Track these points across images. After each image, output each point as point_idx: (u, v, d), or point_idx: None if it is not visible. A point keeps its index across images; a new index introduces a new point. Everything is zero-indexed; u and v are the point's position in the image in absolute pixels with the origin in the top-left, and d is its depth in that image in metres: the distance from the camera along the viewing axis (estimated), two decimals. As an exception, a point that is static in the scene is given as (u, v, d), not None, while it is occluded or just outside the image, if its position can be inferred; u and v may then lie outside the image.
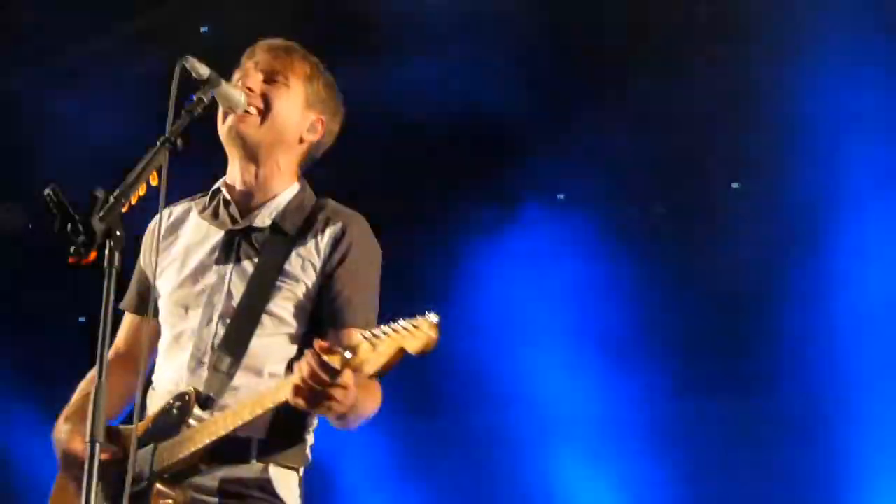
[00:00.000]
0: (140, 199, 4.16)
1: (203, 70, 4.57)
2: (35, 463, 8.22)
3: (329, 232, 4.84)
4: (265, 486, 4.68)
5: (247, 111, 4.83)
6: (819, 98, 8.90)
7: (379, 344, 4.17)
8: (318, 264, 4.80)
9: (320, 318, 4.79)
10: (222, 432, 4.50)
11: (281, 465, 4.72)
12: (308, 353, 4.27)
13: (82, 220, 3.88)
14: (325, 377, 4.20)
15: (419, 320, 4.14)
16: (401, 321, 4.18)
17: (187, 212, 5.07)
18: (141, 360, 4.81)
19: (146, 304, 4.98)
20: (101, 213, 3.93)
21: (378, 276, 4.92)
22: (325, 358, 4.20)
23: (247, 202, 4.94)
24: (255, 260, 4.80)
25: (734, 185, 10.41)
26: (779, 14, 8.98)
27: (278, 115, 4.91)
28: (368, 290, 4.86)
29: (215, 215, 4.97)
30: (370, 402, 4.60)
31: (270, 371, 4.69)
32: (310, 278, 4.78)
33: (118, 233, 3.94)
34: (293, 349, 4.75)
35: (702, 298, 10.26)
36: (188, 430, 4.59)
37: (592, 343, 10.28)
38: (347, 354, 4.19)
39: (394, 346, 4.16)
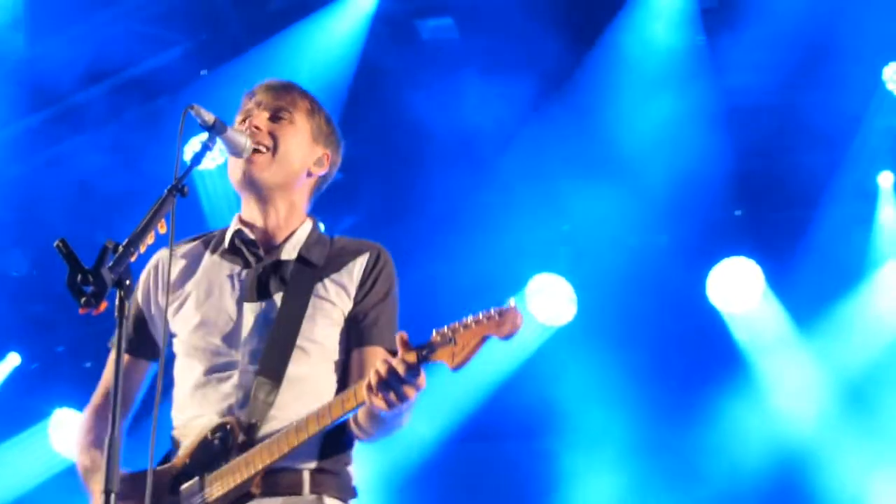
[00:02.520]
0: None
1: (208, 117, 4.59)
2: None
3: (361, 260, 4.90)
4: None
5: (256, 150, 4.85)
6: None
7: (460, 337, 4.29)
8: (353, 291, 4.85)
9: (347, 343, 4.84)
10: (286, 449, 4.52)
11: (334, 496, 4.73)
12: (389, 354, 4.41)
13: (92, 271, 3.89)
14: (405, 375, 4.31)
15: (504, 307, 4.29)
16: (479, 312, 4.31)
17: (198, 251, 5.03)
18: (130, 399, 4.85)
19: (138, 343, 4.97)
20: (111, 264, 3.94)
21: (398, 304, 4.99)
22: (405, 355, 4.31)
23: (268, 239, 4.94)
24: (286, 291, 4.82)
25: None
26: None
27: (287, 152, 4.92)
28: (395, 315, 4.93)
29: (234, 253, 4.96)
30: (408, 416, 4.68)
31: (314, 394, 4.69)
32: (344, 304, 4.83)
33: (128, 282, 3.97)
34: (334, 373, 4.80)
35: None
36: (239, 457, 4.59)
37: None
38: (425, 352, 4.31)
39: (477, 335, 4.29)
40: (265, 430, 4.63)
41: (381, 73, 10.23)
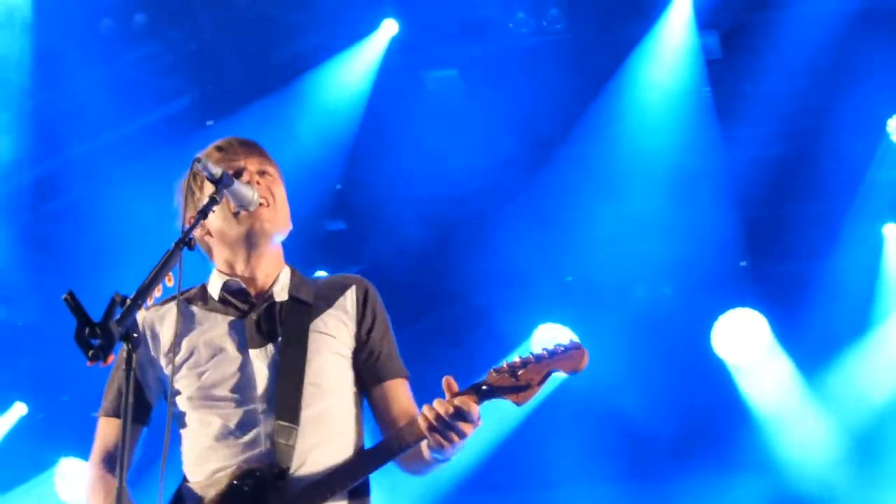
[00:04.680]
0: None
1: (216, 170, 4.60)
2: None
3: (351, 293, 4.94)
4: None
5: (261, 204, 4.87)
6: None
7: (522, 374, 4.45)
8: (352, 323, 4.90)
9: (361, 377, 4.89)
10: (350, 483, 4.63)
11: None
12: (447, 393, 4.47)
13: (100, 324, 3.90)
14: (466, 413, 4.40)
15: (571, 343, 4.48)
16: (544, 350, 4.48)
17: (185, 309, 4.94)
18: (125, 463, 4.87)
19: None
20: (118, 317, 3.96)
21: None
22: (465, 398, 4.42)
23: (256, 286, 4.94)
24: (285, 331, 4.84)
25: None
26: None
27: (282, 205, 4.96)
28: (394, 343, 4.99)
29: (223, 303, 4.95)
30: None
31: (334, 430, 4.75)
32: (345, 337, 4.88)
33: (135, 335, 3.98)
34: (353, 407, 4.84)
35: None
36: (278, 499, 4.61)
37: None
38: (483, 388, 4.46)
39: (542, 371, 4.46)
40: (294, 471, 4.65)
41: (385, 123, 10.27)
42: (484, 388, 4.46)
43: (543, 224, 10.24)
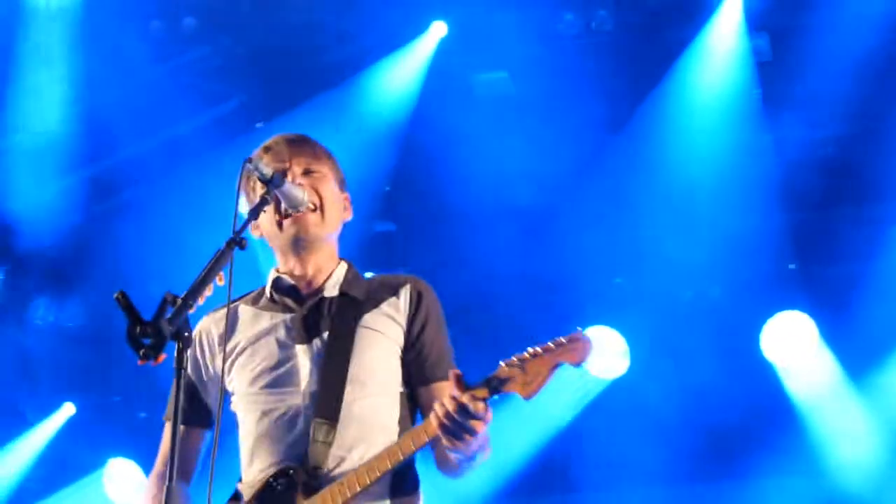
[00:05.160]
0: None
1: (266, 170, 4.63)
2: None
3: (404, 292, 4.93)
4: None
5: (307, 208, 4.88)
6: None
7: (530, 366, 4.38)
8: (403, 322, 4.88)
9: (410, 377, 4.86)
10: (358, 488, 4.55)
11: None
12: (455, 390, 4.40)
13: (151, 323, 3.92)
14: (472, 409, 4.34)
15: (575, 335, 4.43)
16: (548, 341, 4.42)
17: (233, 312, 5.03)
18: (191, 467, 4.91)
19: (191, 412, 4.96)
20: (169, 316, 3.97)
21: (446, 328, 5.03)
22: (473, 394, 4.36)
23: (309, 284, 4.98)
24: (333, 326, 4.85)
25: None
26: None
27: (331, 206, 4.96)
28: (448, 344, 4.96)
29: (274, 302, 5.00)
30: (488, 447, 4.66)
31: (375, 428, 4.72)
32: (394, 332, 4.86)
33: (186, 334, 3.99)
34: (396, 406, 4.81)
35: None
36: (306, 500, 4.60)
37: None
38: (494, 383, 4.39)
39: (549, 363, 4.39)
40: (329, 470, 4.65)
41: (434, 125, 10.27)
42: (493, 381, 4.40)
43: (592, 226, 10.21)
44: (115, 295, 3.95)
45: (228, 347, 4.96)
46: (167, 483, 3.93)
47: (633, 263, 10.42)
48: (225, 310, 4.92)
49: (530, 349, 4.42)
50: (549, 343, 4.41)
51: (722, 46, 9.88)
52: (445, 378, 4.76)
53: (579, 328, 4.45)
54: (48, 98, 10.00)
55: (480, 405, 4.36)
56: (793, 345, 10.43)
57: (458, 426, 4.36)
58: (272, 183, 4.63)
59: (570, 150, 10.00)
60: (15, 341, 11.09)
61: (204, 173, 10.03)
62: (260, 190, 4.74)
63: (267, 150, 4.99)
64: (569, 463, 10.73)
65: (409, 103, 10.24)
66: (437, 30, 10.02)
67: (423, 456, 4.72)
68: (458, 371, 4.43)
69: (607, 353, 10.65)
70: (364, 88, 10.24)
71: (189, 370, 5.01)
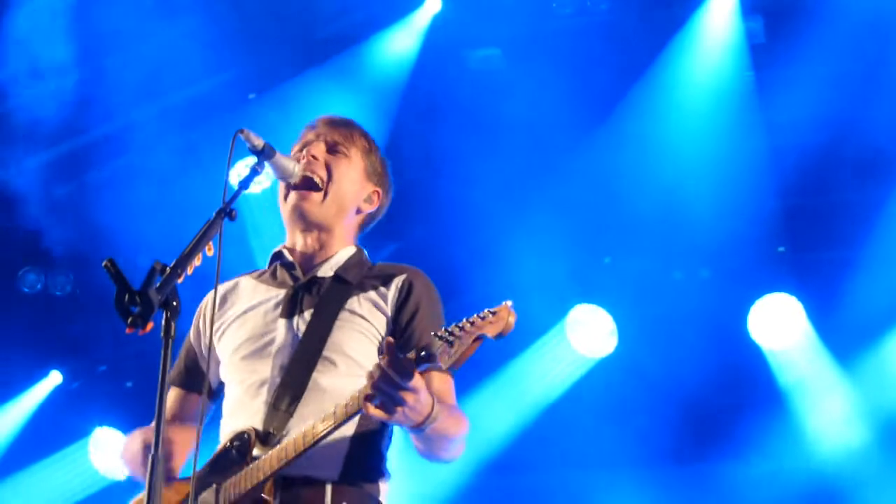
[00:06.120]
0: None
1: (257, 141, 4.64)
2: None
3: (396, 282, 4.95)
4: None
5: (311, 183, 4.94)
6: None
7: (457, 338, 4.29)
8: (389, 311, 4.89)
9: None
10: (293, 454, 4.51)
11: None
12: (381, 355, 4.34)
13: (140, 292, 3.92)
14: (396, 378, 4.24)
15: (498, 307, 4.34)
16: (476, 314, 4.33)
17: (236, 284, 5.16)
18: (193, 432, 4.92)
19: (191, 378, 5.10)
20: (158, 285, 3.97)
21: (443, 322, 4.98)
22: (403, 358, 4.26)
23: (308, 262, 5.05)
24: (317, 305, 4.89)
25: None
26: None
27: (340, 185, 5.03)
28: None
29: (274, 277, 5.07)
30: (453, 424, 4.63)
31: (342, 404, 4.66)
32: (378, 320, 4.87)
33: (174, 303, 4.00)
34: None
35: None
36: (251, 465, 4.61)
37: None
38: (423, 352, 4.27)
39: (471, 336, 4.29)
40: (283, 437, 4.66)
41: (428, 100, 10.27)
42: (422, 351, 4.29)
43: (583, 205, 10.21)
44: (105, 263, 3.96)
45: (222, 317, 5.05)
46: (153, 451, 3.92)
47: (624, 243, 10.42)
48: (232, 282, 5.12)
49: (457, 323, 4.35)
50: (476, 315, 4.33)
51: (716, 28, 9.88)
52: (433, 369, 4.69)
53: (508, 301, 4.38)
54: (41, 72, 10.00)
55: (406, 371, 4.25)
56: (780, 327, 10.45)
57: (385, 394, 4.28)
58: (262, 154, 4.66)
59: (561, 129, 9.99)
60: (4, 308, 11.09)
61: (195, 144, 10.03)
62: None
63: (309, 125, 5.16)
64: (554, 441, 10.74)
65: (403, 78, 10.23)
66: (432, 5, 10.01)
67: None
68: (391, 339, 4.34)
69: (595, 333, 10.66)
70: (357, 63, 10.22)
71: (192, 339, 5.14)
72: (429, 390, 4.40)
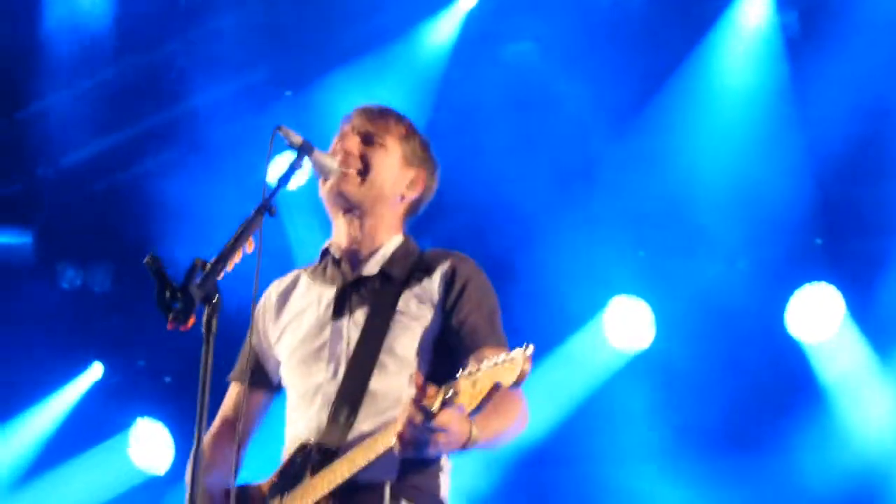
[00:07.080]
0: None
1: (296, 138, 4.66)
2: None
3: (440, 270, 4.94)
4: None
5: (345, 172, 4.93)
6: None
7: (478, 380, 4.21)
8: (436, 301, 4.88)
9: (452, 352, 4.82)
10: (339, 480, 4.54)
11: None
12: (406, 400, 4.31)
13: (181, 288, 3.95)
14: (421, 423, 4.22)
15: (514, 353, 4.20)
16: (496, 357, 4.25)
17: (296, 280, 5.17)
18: (245, 430, 4.96)
19: (253, 374, 5.07)
20: (199, 281, 4.00)
21: (497, 304, 5.00)
22: (424, 402, 4.23)
23: (355, 256, 5.03)
24: (369, 308, 4.88)
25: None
26: None
27: (378, 175, 5.02)
28: (494, 315, 4.93)
29: (324, 274, 5.06)
30: (500, 425, 4.59)
31: (395, 410, 4.62)
32: (427, 315, 4.86)
33: (215, 300, 4.02)
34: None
35: None
36: (311, 479, 4.63)
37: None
38: (449, 394, 4.23)
39: (490, 381, 4.20)
40: (341, 452, 4.66)
41: (462, 95, 10.26)
42: (447, 391, 4.25)
43: (618, 198, 10.20)
44: (146, 259, 3.99)
45: (281, 317, 5.06)
46: (195, 445, 3.95)
47: (659, 236, 10.40)
48: (290, 277, 5.15)
49: (484, 362, 4.26)
50: (495, 360, 4.23)
51: (750, 21, 9.86)
52: (485, 345, 4.74)
53: (527, 346, 4.22)
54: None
55: (430, 415, 4.23)
56: (818, 319, 10.40)
57: (416, 438, 4.26)
58: (301, 150, 4.68)
59: (596, 123, 9.98)
60: (43, 304, 11.14)
61: (234, 141, 10.07)
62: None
63: (345, 117, 5.15)
64: (588, 435, 10.72)
65: (438, 73, 10.24)
66: (466, 0, 10.04)
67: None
68: (419, 376, 4.28)
69: (633, 325, 10.62)
70: (392, 59, 10.22)
71: (254, 335, 5.13)
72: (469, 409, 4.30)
